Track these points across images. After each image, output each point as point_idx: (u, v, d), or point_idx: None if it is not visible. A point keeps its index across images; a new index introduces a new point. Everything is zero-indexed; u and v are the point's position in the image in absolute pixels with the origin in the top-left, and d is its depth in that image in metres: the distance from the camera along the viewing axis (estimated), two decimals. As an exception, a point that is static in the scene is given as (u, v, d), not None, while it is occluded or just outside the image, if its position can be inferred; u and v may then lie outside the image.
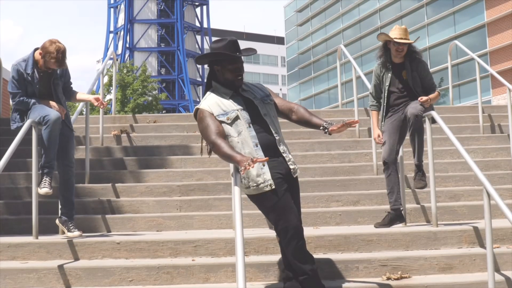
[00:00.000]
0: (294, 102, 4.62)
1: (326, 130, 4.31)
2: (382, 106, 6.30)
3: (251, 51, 4.39)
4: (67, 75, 6.15)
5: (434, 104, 6.38)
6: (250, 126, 4.25)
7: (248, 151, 4.20)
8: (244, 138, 4.22)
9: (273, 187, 4.17)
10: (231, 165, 4.34)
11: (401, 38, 6.09)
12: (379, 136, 6.27)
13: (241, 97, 4.36)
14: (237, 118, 4.25)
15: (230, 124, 4.24)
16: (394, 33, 6.14)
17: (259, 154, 4.18)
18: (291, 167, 4.34)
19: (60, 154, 5.87)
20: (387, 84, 6.23)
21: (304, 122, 4.48)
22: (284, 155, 4.33)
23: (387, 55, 6.27)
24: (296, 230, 4.16)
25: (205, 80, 4.59)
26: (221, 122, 4.25)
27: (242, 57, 4.34)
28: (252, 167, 3.84)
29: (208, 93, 4.42)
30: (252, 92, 4.41)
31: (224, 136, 4.22)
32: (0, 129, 8.55)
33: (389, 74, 6.24)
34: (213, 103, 4.30)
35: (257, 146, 4.21)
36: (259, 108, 4.33)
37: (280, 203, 4.17)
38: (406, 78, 6.18)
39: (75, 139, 6.46)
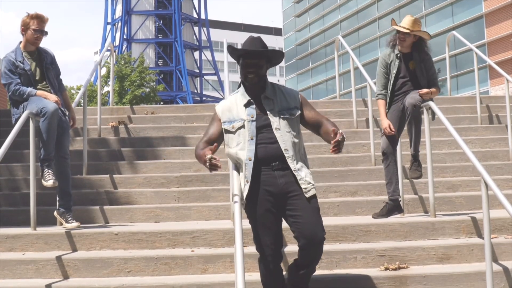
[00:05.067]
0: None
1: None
2: (387, 94, 6.26)
3: (278, 53, 4.22)
4: (56, 65, 6.16)
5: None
6: (252, 139, 4.08)
7: (241, 163, 4.10)
8: (239, 150, 4.10)
9: (244, 207, 4.07)
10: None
11: (404, 28, 6.09)
12: (390, 126, 6.08)
13: (259, 104, 4.18)
14: (241, 127, 4.13)
15: (234, 133, 4.14)
16: (402, 22, 6.16)
17: (248, 169, 4.04)
18: (303, 186, 4.07)
19: (55, 145, 5.85)
20: (394, 71, 6.21)
21: (325, 139, 4.23)
22: (295, 173, 4.07)
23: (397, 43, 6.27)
24: (271, 255, 4.13)
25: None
26: (226, 130, 4.18)
27: (260, 54, 4.14)
28: (207, 164, 3.90)
29: (235, 91, 4.33)
30: (273, 102, 4.19)
31: (212, 144, 4.09)
32: (-2, 121, 8.54)
33: (397, 63, 6.22)
34: (226, 107, 4.23)
35: (250, 160, 4.05)
36: (271, 122, 4.12)
37: (257, 223, 4.09)
38: (412, 68, 6.16)
39: (72, 130, 6.46)
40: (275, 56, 4.25)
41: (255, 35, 4.33)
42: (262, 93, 4.21)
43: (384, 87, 6.30)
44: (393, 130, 6.08)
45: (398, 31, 6.17)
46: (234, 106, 4.22)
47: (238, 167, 4.19)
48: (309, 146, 8.32)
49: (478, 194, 6.01)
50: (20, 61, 5.85)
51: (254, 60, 4.14)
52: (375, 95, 6.43)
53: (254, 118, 4.14)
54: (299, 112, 4.23)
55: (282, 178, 4.07)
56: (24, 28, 5.90)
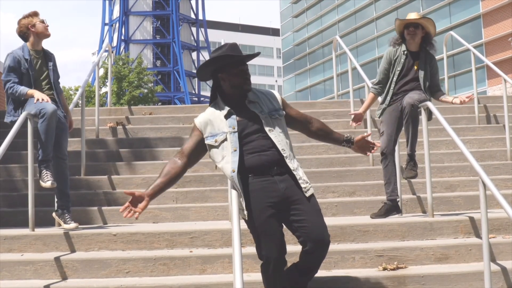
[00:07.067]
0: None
1: (349, 142, 4.33)
2: (386, 91, 6.28)
3: (254, 55, 4.10)
4: (56, 68, 6.19)
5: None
6: (235, 151, 3.96)
7: (227, 177, 4.00)
8: (225, 164, 3.98)
9: (246, 218, 3.99)
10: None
11: (413, 19, 6.16)
12: (356, 117, 6.52)
13: (245, 110, 4.07)
14: (224, 140, 4.00)
15: (217, 147, 4.01)
16: (407, 17, 6.23)
17: (235, 181, 3.92)
18: (302, 186, 4.01)
19: (54, 146, 5.84)
20: (399, 69, 6.21)
21: (323, 135, 4.37)
22: (294, 172, 4.03)
23: (404, 42, 6.28)
24: (275, 262, 4.02)
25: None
26: (210, 145, 4.04)
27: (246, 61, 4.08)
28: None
29: (212, 104, 4.18)
30: (260, 105, 4.10)
31: (190, 155, 4.04)
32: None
33: (402, 60, 6.22)
34: (206, 121, 4.07)
35: (233, 172, 3.92)
36: (263, 123, 4.04)
37: (260, 231, 3.97)
38: (417, 68, 6.16)
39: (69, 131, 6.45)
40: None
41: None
42: (244, 100, 4.09)
43: (380, 83, 6.36)
44: (356, 124, 6.58)
45: (406, 27, 6.17)
46: (214, 118, 4.07)
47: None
48: (308, 146, 8.33)
49: (476, 194, 6.02)
50: (26, 59, 5.85)
51: (246, 66, 4.07)
52: (370, 87, 6.55)
53: (236, 129, 4.00)
54: (284, 112, 4.19)
55: (282, 183, 3.99)
56: (31, 26, 5.92)
